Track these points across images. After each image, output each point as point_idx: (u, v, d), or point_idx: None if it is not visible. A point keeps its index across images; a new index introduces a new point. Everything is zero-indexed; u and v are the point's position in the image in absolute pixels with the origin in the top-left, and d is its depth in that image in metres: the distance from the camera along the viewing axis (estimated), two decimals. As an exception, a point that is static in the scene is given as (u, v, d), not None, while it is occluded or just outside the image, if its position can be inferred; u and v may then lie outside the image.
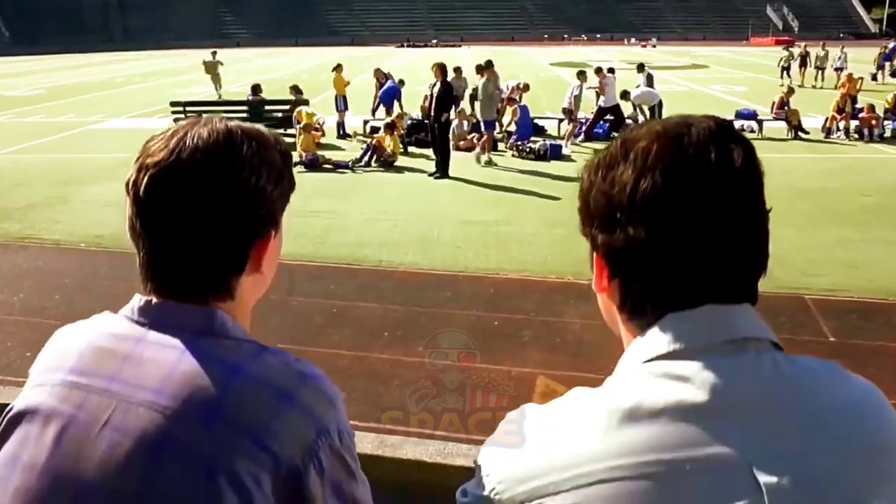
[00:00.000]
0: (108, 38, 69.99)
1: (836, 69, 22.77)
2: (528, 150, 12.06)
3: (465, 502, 0.79)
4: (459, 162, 11.10)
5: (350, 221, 8.25)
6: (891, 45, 29.27)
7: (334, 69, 15.01)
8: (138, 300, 0.88)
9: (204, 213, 0.85)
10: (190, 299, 0.87)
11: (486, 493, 0.75)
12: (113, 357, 0.85)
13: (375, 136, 12.34)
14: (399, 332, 5.18)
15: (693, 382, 0.69)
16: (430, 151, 11.05)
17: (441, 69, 10.79)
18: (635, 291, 0.76)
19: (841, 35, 58.75)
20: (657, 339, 0.73)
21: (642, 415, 0.68)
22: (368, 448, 2.61)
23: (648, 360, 0.72)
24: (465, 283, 6.26)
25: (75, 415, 0.82)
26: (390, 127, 12.05)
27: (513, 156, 12.20)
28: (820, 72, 23.89)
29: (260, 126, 0.96)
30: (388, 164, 11.42)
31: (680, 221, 0.72)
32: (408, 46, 60.37)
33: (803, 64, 24.75)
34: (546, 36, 68.07)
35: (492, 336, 5.08)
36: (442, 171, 10.67)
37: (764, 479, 0.65)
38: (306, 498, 0.81)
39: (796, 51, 26.37)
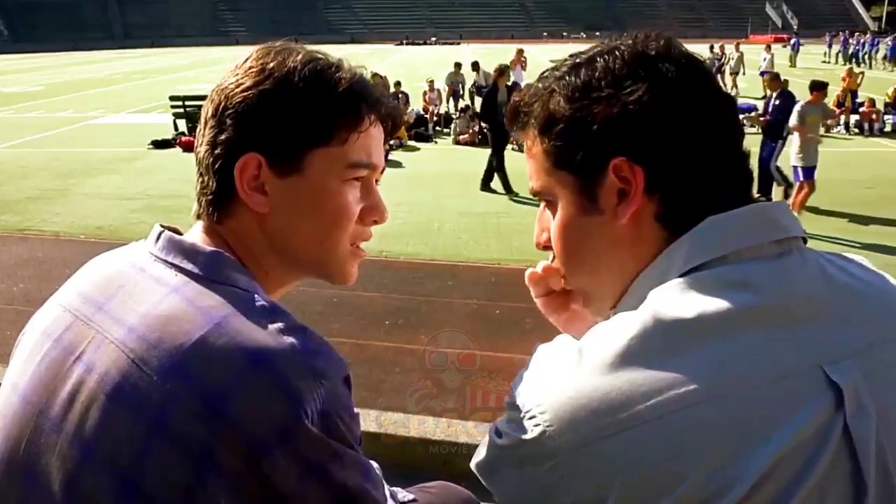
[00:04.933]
0: (107, 36, 69.96)
1: (762, 73, 19.22)
2: (528, 143, 12.05)
3: (503, 443, 0.69)
4: (458, 154, 11.07)
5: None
6: (793, 39, 33.01)
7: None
8: (156, 230, 0.84)
9: (207, 118, 0.84)
10: (202, 218, 0.86)
11: (530, 435, 0.65)
12: (111, 285, 0.81)
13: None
14: (400, 320, 5.17)
15: (752, 289, 0.65)
16: (429, 145, 11.01)
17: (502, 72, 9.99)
18: (678, 194, 0.71)
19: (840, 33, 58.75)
20: (701, 245, 0.69)
21: (708, 329, 0.64)
22: (372, 426, 2.60)
23: (694, 269, 0.68)
24: (467, 272, 6.25)
25: (60, 340, 0.79)
26: None
27: (513, 149, 12.19)
28: (733, 77, 20.64)
29: (331, 61, 0.87)
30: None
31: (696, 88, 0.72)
32: (407, 44, 60.42)
33: (718, 70, 20.24)
34: (545, 34, 68.04)
35: (494, 324, 5.08)
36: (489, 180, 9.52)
37: (838, 378, 0.63)
38: (270, 478, 0.70)
39: (723, 47, 23.16)
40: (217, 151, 0.83)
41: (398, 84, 14.70)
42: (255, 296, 0.78)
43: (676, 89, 0.71)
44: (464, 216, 8.01)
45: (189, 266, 0.79)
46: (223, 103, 0.83)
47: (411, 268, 6.38)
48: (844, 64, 31.80)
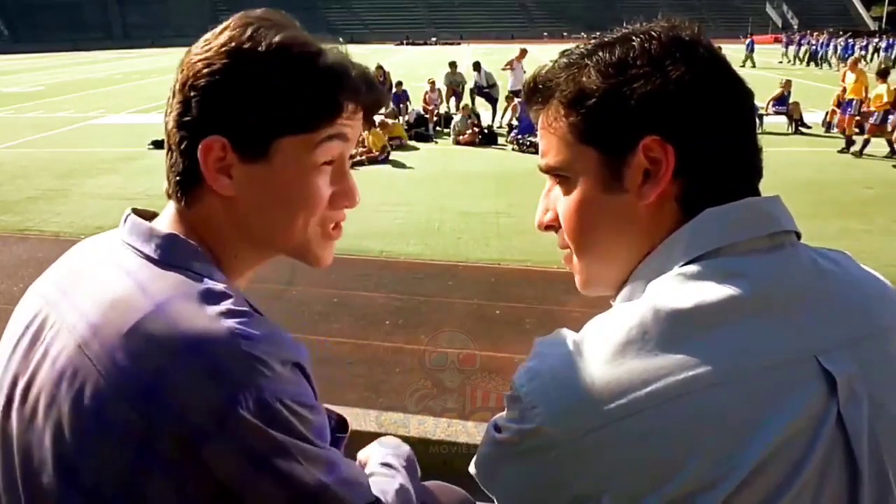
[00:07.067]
0: (107, 36, 70.02)
1: None
2: (528, 143, 12.04)
3: (503, 438, 0.70)
4: (458, 154, 11.07)
5: (350, 213, 8.19)
6: (748, 40, 33.62)
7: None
8: (125, 213, 0.84)
9: (175, 91, 0.80)
10: (172, 199, 0.84)
11: (531, 426, 0.65)
12: (80, 270, 0.81)
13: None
14: (400, 320, 5.17)
15: (748, 280, 0.66)
16: (429, 145, 10.95)
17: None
18: (702, 178, 0.71)
19: (840, 34, 58.77)
20: (699, 237, 0.70)
21: (706, 318, 0.64)
22: (372, 426, 2.60)
23: (693, 260, 0.69)
24: (467, 272, 6.25)
25: (30, 326, 0.80)
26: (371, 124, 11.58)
27: (513, 149, 12.20)
28: None
29: (299, 38, 0.80)
30: (374, 161, 10.92)
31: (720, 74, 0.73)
32: (407, 44, 60.42)
33: None
34: (545, 34, 68.00)
35: (494, 324, 5.08)
36: None
37: (831, 367, 0.64)
38: (211, 467, 0.68)
39: None
40: (183, 132, 0.79)
41: (399, 84, 14.70)
42: (206, 279, 0.76)
43: (711, 74, 0.72)
44: (464, 216, 8.01)
45: (146, 249, 0.78)
46: (190, 81, 0.78)
47: (411, 268, 6.37)
48: (805, 64, 32.62)
